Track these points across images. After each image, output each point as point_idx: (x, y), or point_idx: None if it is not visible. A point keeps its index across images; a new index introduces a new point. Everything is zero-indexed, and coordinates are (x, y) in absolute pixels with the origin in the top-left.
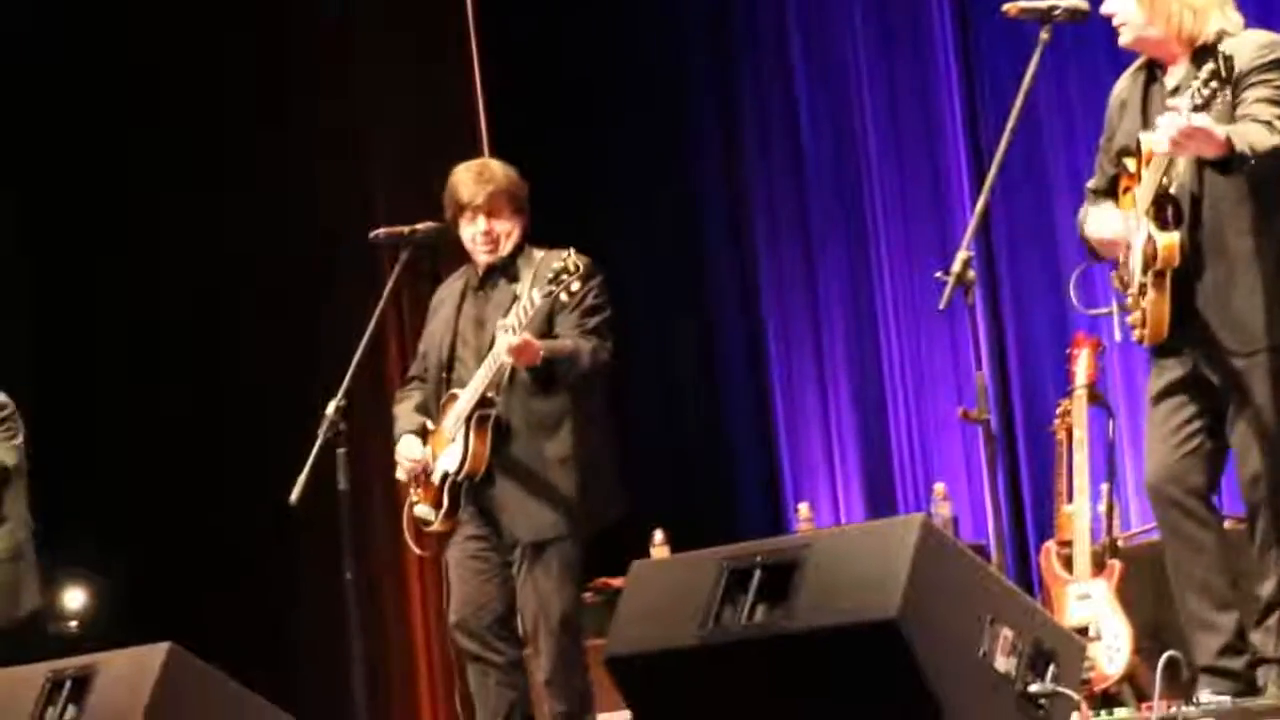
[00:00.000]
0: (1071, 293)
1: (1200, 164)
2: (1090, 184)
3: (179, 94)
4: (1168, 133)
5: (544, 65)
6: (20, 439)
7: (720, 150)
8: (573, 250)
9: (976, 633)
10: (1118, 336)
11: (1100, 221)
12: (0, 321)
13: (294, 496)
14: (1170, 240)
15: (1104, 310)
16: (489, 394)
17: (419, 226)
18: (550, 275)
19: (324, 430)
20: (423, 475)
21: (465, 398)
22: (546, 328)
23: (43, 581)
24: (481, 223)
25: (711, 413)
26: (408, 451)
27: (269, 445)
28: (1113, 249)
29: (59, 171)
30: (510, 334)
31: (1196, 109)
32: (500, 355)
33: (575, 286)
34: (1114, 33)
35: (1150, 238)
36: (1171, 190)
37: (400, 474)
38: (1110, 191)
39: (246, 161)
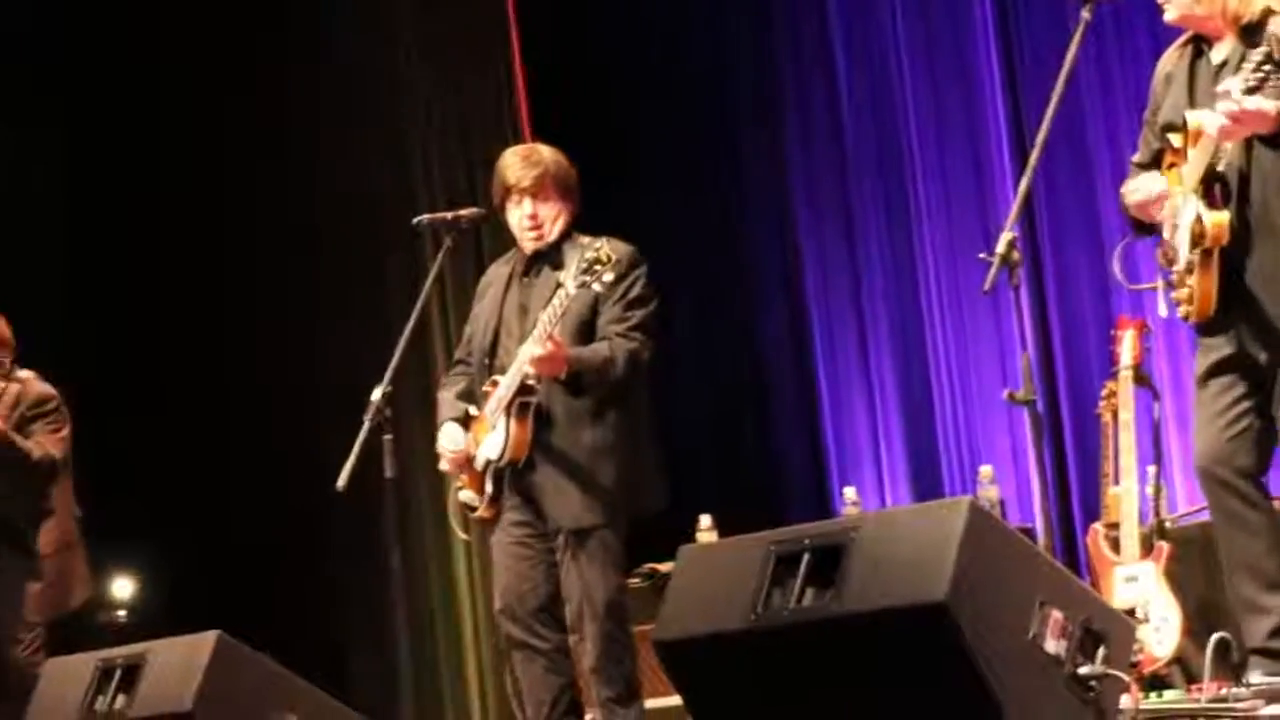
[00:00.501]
0: (1115, 268)
1: (1249, 141)
2: (1135, 158)
3: (221, 80)
4: (1219, 120)
5: (584, 54)
6: (66, 431)
7: (762, 136)
8: (606, 240)
9: (1026, 615)
10: (1163, 312)
11: (1141, 187)
12: (48, 311)
13: (340, 483)
14: (1219, 219)
15: (1148, 285)
16: (530, 381)
17: (462, 212)
18: (583, 266)
19: (370, 417)
20: (466, 462)
21: (506, 385)
22: (590, 315)
23: (92, 571)
24: (528, 205)
25: (756, 398)
26: (449, 441)
27: (315, 432)
28: (1151, 210)
29: (105, 164)
30: (534, 344)
31: (1249, 92)
32: (524, 365)
33: (608, 277)
34: (1154, 12)
35: (1199, 216)
36: (1220, 168)
37: (443, 465)
38: (1154, 165)
39: (288, 150)
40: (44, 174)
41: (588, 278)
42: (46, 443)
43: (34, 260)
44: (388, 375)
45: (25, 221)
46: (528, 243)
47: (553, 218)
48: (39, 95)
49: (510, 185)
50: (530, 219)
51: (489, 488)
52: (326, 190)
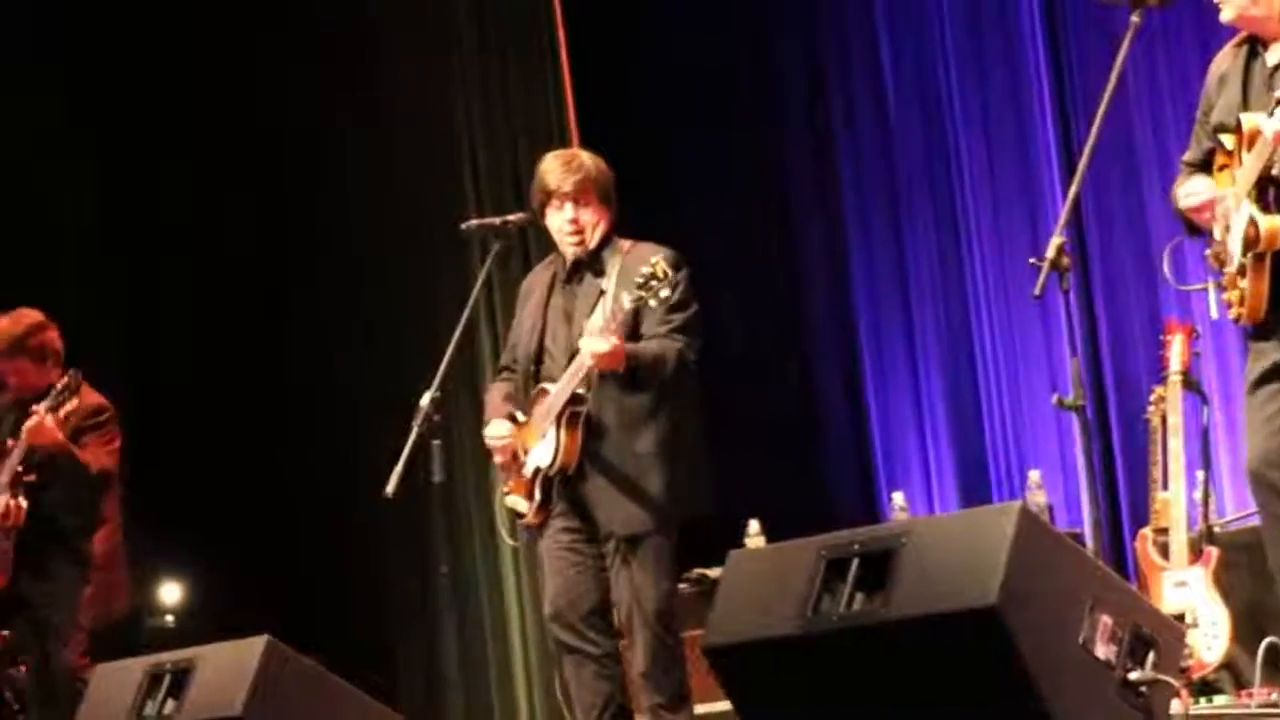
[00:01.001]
0: (1165, 268)
1: None
2: (1185, 157)
3: (265, 84)
4: (1277, 125)
5: (630, 53)
6: (118, 444)
7: (808, 140)
8: (661, 256)
9: (1076, 620)
10: (1214, 313)
11: (1193, 191)
12: (92, 319)
13: (389, 489)
14: (1274, 224)
15: (1198, 286)
16: (579, 391)
17: (510, 218)
18: (639, 281)
19: (418, 422)
20: (515, 467)
21: (556, 395)
22: (633, 322)
23: (135, 580)
24: (569, 210)
25: (804, 404)
26: (495, 432)
27: (365, 437)
28: (1203, 215)
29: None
30: (596, 338)
31: None
32: (585, 360)
33: (665, 293)
34: (1200, 18)
35: (1253, 220)
36: (1274, 172)
37: (497, 458)
38: (1205, 166)
39: (338, 154)
40: (109, 185)
41: (644, 293)
42: (100, 454)
43: (95, 264)
44: (436, 381)
45: (86, 234)
46: (569, 248)
47: (594, 223)
48: (76, 126)
49: (551, 190)
50: (571, 224)
51: (538, 495)
52: (375, 197)
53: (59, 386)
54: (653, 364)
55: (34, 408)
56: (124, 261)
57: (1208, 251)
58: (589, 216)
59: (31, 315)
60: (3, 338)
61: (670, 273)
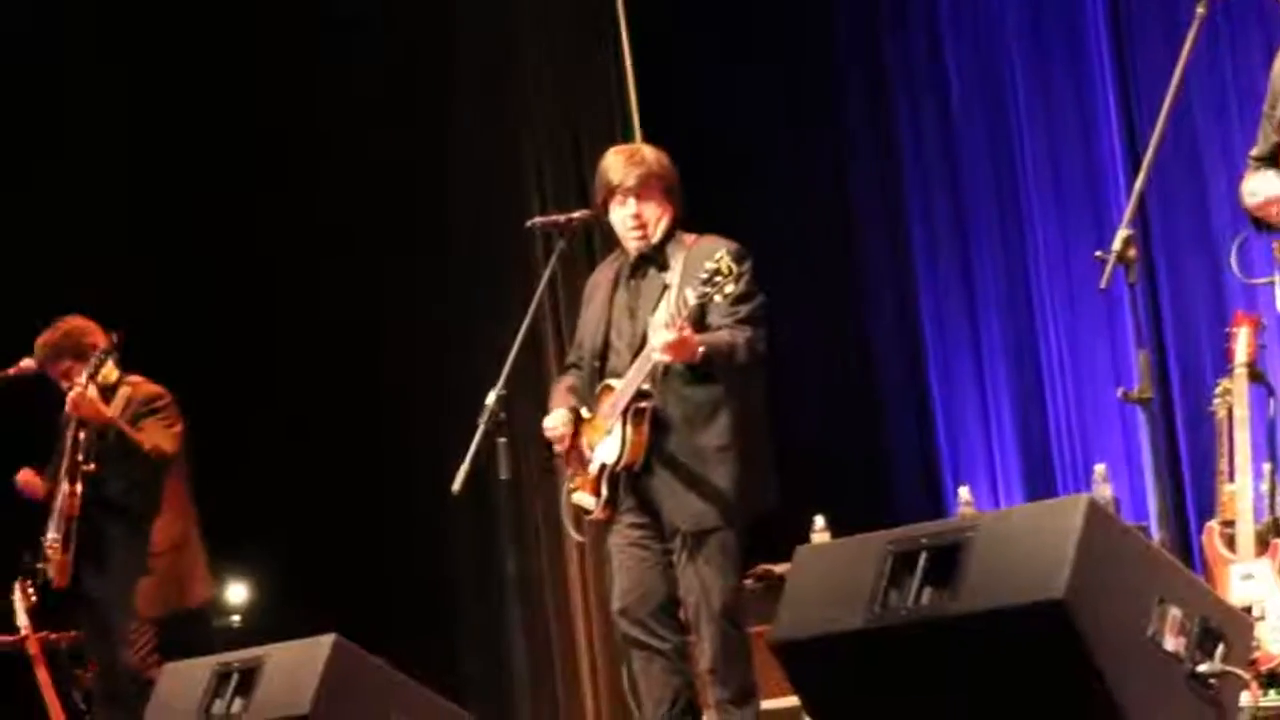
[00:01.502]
0: (1232, 262)
1: None
2: (1252, 152)
3: (326, 82)
4: None
5: (692, 48)
6: (179, 428)
7: (872, 138)
8: (725, 251)
9: (1145, 612)
10: None
11: (1259, 185)
12: (154, 319)
13: (456, 487)
14: None
15: (1265, 280)
16: (644, 387)
17: (575, 215)
18: (704, 277)
19: (484, 420)
20: (580, 464)
21: (621, 390)
22: (699, 315)
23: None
24: (631, 205)
25: (868, 398)
26: (552, 422)
27: (428, 436)
28: (1271, 211)
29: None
30: (666, 331)
31: None
32: (655, 352)
33: (730, 289)
34: (1267, 7)
35: None
36: None
37: (557, 447)
38: (1273, 159)
39: (403, 154)
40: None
41: (709, 289)
42: (157, 436)
43: (155, 255)
44: (502, 379)
45: (140, 221)
46: (632, 243)
47: (656, 218)
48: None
49: (614, 186)
50: (634, 219)
51: (604, 491)
52: (440, 196)
53: (97, 353)
54: (725, 352)
55: (76, 380)
56: (189, 256)
57: (1275, 245)
58: (652, 211)
59: (70, 320)
60: (41, 348)
61: (734, 267)
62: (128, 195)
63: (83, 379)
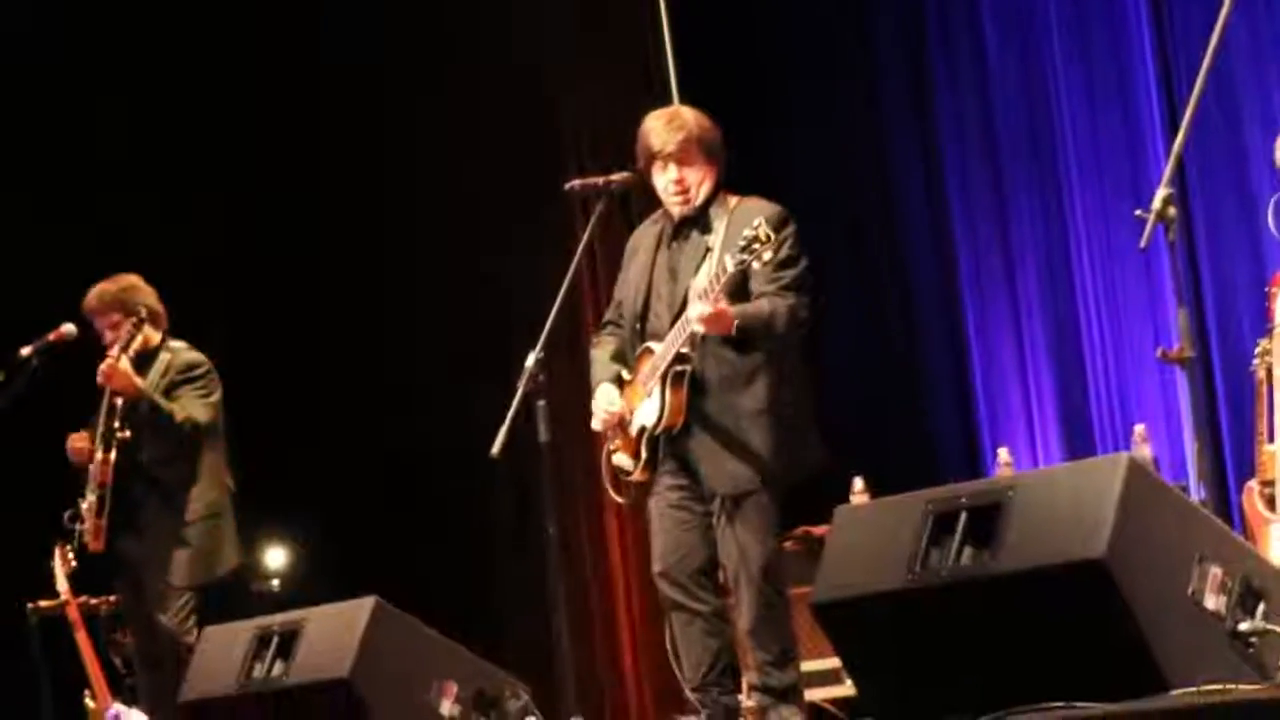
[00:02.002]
0: (1270, 220)
1: None
2: None
3: (375, 46)
4: None
5: (730, 10)
6: (216, 397)
7: (909, 96)
8: (764, 217)
9: (1185, 571)
10: None
11: None
12: (194, 283)
13: (495, 449)
14: None
15: None
16: (684, 350)
17: (614, 177)
18: (742, 244)
19: (523, 382)
20: (620, 426)
21: (661, 354)
22: (740, 282)
23: (241, 540)
24: (673, 171)
25: (907, 361)
26: (605, 402)
27: (468, 401)
28: None
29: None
30: (701, 303)
31: None
32: (691, 323)
33: (768, 256)
34: None
35: None
36: None
37: (596, 424)
38: None
39: (438, 116)
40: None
41: (747, 256)
42: (191, 406)
43: (194, 228)
44: (541, 341)
45: (182, 191)
46: (675, 207)
47: (698, 181)
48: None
49: (655, 151)
50: (676, 184)
51: (644, 453)
52: (477, 159)
53: (131, 322)
54: (761, 324)
55: (109, 353)
56: (224, 226)
57: None
58: (694, 175)
59: (128, 277)
60: (96, 293)
61: (773, 235)
62: (165, 144)
63: (115, 351)
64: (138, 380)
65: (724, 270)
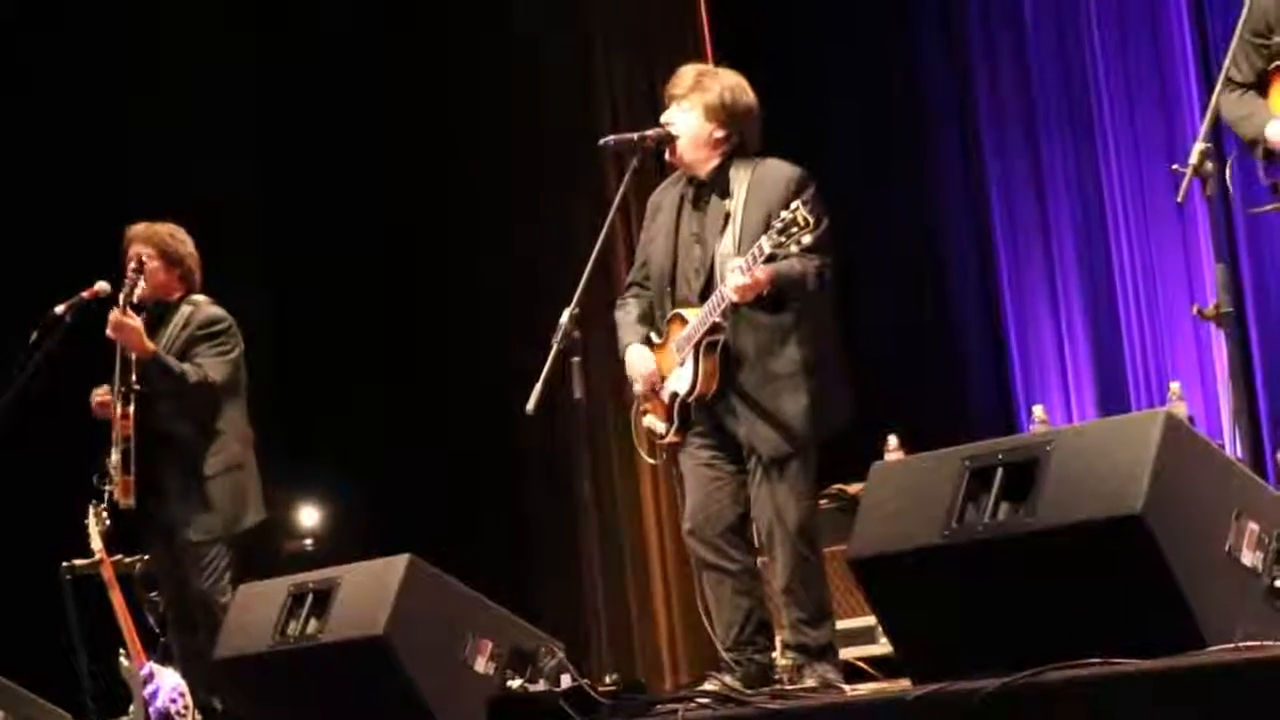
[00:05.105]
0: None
1: None
2: (1234, 76)
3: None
4: None
5: None
6: (235, 354)
7: (944, 55)
8: (800, 203)
9: (1222, 527)
10: None
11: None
12: (231, 246)
13: (530, 406)
14: None
15: (1270, 208)
16: (717, 320)
17: (649, 132)
18: (779, 226)
19: (558, 339)
20: (653, 390)
21: (694, 324)
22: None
23: (269, 497)
24: (669, 112)
25: (942, 317)
26: (641, 365)
27: (502, 360)
28: None
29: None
30: (738, 276)
31: None
32: (729, 296)
33: (806, 240)
34: None
35: None
36: None
37: (637, 388)
38: (1256, 86)
39: (470, 70)
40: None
41: (784, 238)
42: (207, 364)
43: (240, 187)
44: (575, 297)
45: (231, 159)
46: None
47: (690, 132)
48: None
49: (670, 96)
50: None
51: (676, 419)
52: (511, 116)
53: (130, 273)
54: (795, 283)
55: (146, 264)
56: (261, 189)
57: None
58: (684, 122)
59: (176, 226)
60: (145, 225)
61: (812, 221)
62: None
63: (120, 301)
64: (145, 341)
65: (760, 251)
